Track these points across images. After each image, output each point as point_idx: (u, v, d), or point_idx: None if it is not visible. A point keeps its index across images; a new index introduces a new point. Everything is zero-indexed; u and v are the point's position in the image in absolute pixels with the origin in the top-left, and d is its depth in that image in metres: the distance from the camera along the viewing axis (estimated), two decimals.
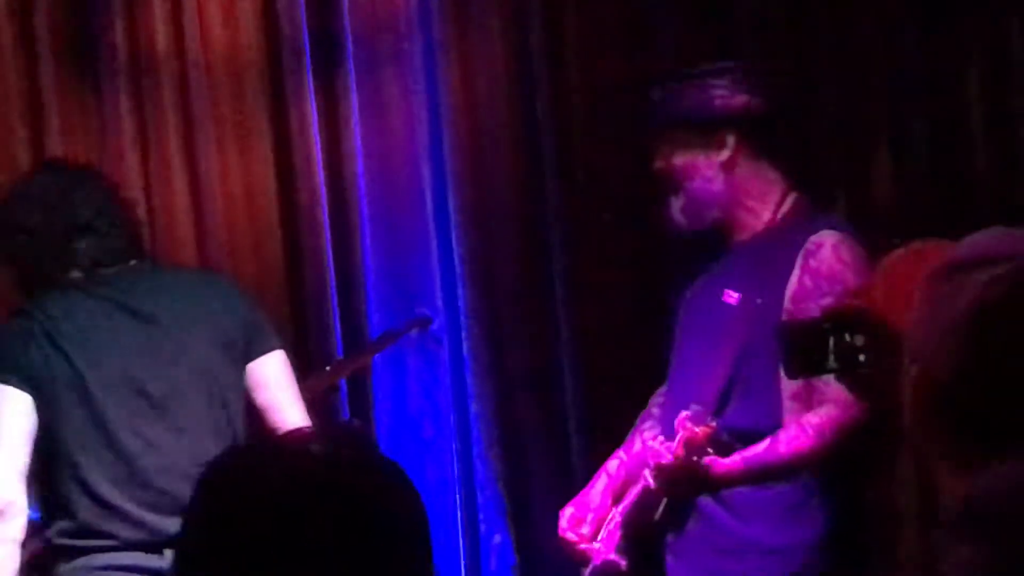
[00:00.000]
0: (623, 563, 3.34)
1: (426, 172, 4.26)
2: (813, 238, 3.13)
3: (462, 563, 4.34)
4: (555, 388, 4.22)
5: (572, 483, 3.97)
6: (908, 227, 3.80)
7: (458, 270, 4.32)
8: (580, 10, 4.26)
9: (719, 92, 3.18)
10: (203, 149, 4.29)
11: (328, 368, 4.09)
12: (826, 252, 3.14)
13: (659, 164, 3.24)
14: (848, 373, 2.30)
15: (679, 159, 3.18)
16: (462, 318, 4.34)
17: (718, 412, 3.16)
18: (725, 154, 3.16)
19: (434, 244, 4.34)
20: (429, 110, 4.30)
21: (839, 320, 2.27)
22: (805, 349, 2.34)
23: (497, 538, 4.26)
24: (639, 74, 4.06)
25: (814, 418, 2.93)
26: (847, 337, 2.23)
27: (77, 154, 4.23)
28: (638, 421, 3.45)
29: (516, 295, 4.27)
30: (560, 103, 4.20)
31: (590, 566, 3.38)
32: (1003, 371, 1.59)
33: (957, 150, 4.14)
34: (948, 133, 4.16)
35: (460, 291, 4.33)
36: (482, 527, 4.30)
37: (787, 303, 3.13)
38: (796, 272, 3.12)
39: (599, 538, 3.38)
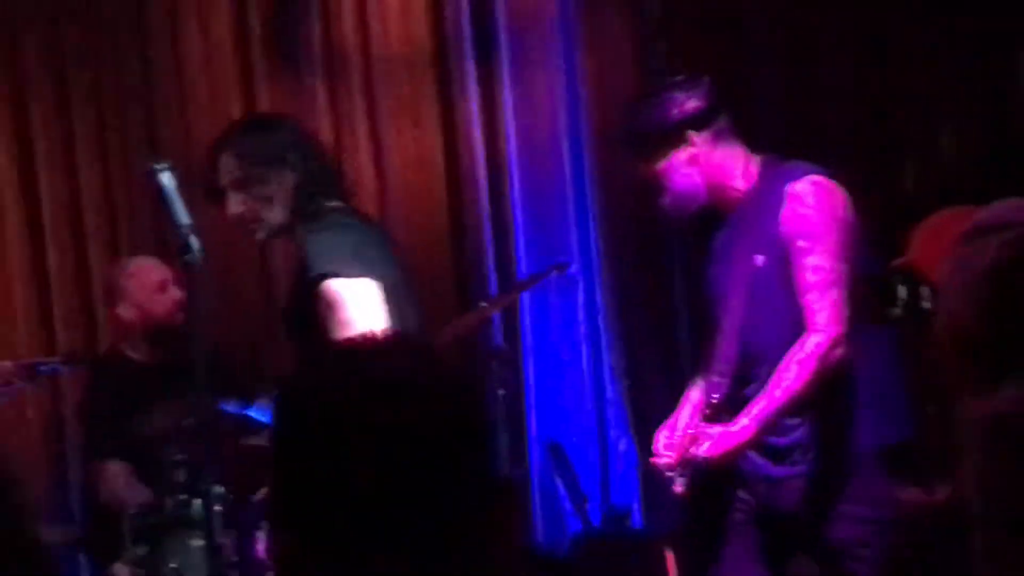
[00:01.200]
0: (682, 490, 3.57)
1: (565, 145, 4.88)
2: (790, 187, 3.36)
3: (595, 465, 4.90)
4: (670, 321, 4.78)
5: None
6: (968, 192, 4.14)
7: (591, 224, 4.93)
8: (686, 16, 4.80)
9: (673, 104, 3.44)
10: (384, 126, 4.94)
11: (483, 304, 4.65)
12: (798, 197, 3.36)
13: (644, 172, 3.50)
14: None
15: (658, 165, 3.42)
16: (594, 262, 4.97)
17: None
18: (691, 150, 3.39)
19: (571, 203, 4.95)
20: (568, 94, 4.91)
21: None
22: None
23: (623, 444, 4.84)
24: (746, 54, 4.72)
25: (800, 354, 3.08)
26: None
27: None
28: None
29: (638, 243, 4.81)
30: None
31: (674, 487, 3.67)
32: (1013, 315, 1.83)
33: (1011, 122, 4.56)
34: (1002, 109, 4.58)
35: (592, 240, 4.97)
36: (611, 435, 4.90)
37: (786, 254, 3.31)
38: (781, 218, 3.34)
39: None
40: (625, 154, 3.67)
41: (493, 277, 5.02)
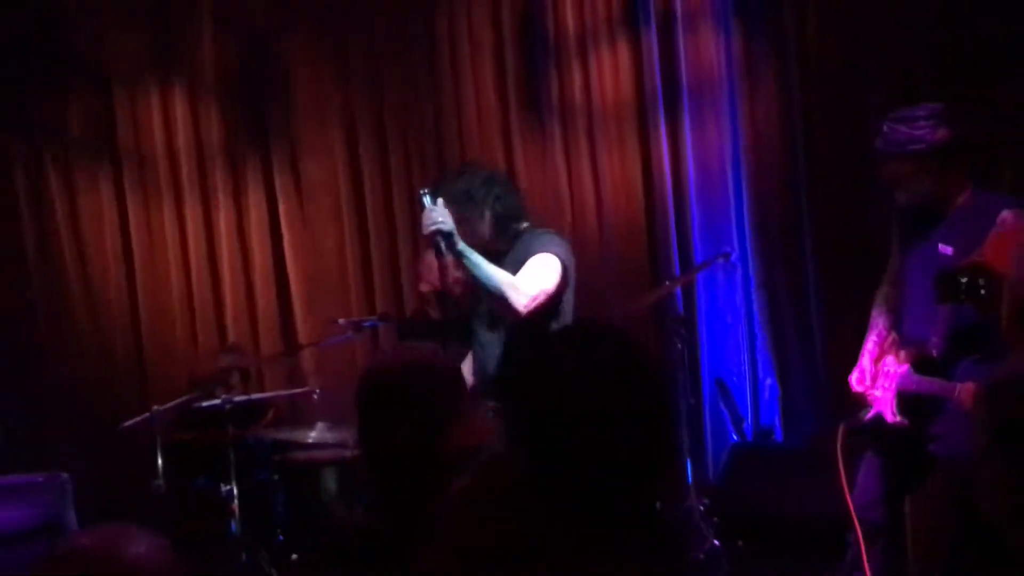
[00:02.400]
0: (901, 420, 3.96)
1: (728, 170, 5.84)
2: (1004, 213, 3.61)
3: (748, 396, 5.87)
4: (802, 294, 5.63)
5: (813, 348, 5.55)
6: None
7: (747, 227, 5.85)
8: (821, 70, 5.61)
9: (924, 130, 3.77)
10: (600, 157, 6.00)
11: (668, 282, 5.63)
12: (1010, 223, 3.58)
13: (887, 174, 3.86)
14: (972, 299, 3.17)
15: (903, 173, 3.81)
16: (748, 253, 5.87)
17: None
18: (936, 170, 3.77)
19: (732, 210, 5.86)
20: (731, 135, 5.84)
21: (967, 269, 3.16)
22: (946, 287, 3.35)
23: (768, 381, 5.79)
24: (859, 109, 5.40)
25: None
26: (971, 279, 3.12)
27: (532, 168, 6.10)
28: (872, 321, 4.16)
29: (780, 239, 5.70)
30: (810, 131, 5.62)
31: (871, 409, 4.08)
32: None
33: None
34: None
35: (748, 237, 5.86)
36: (760, 375, 5.85)
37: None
38: (991, 234, 3.57)
39: (877, 391, 4.06)
40: (875, 158, 3.94)
41: (676, 262, 5.96)
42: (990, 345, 3.52)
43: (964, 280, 3.17)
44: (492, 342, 4.16)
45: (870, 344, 4.15)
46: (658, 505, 1.68)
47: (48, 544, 4.60)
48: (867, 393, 4.10)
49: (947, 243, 3.80)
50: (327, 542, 2.86)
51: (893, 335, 4.08)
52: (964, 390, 3.66)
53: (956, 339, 3.78)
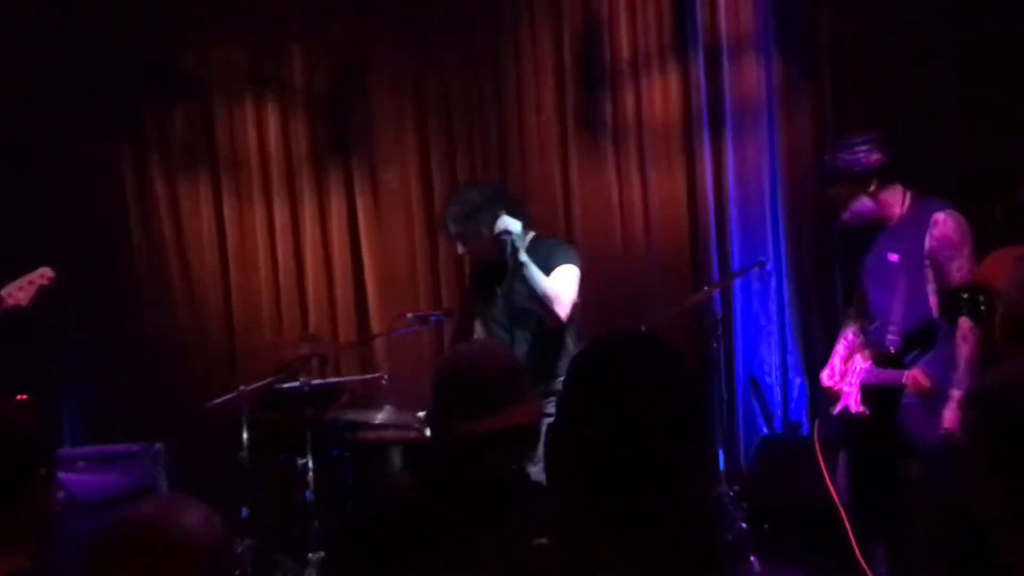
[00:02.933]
0: (863, 411, 4.25)
1: (765, 187, 6.08)
2: (935, 215, 4.01)
3: (778, 394, 6.11)
4: (830, 301, 5.82)
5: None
6: None
7: (781, 238, 6.08)
8: (853, 96, 5.86)
9: (860, 154, 4.10)
10: (649, 172, 6.24)
11: (707, 287, 5.80)
12: (941, 223, 4.01)
13: (832, 198, 4.23)
14: (973, 314, 3.33)
15: (844, 195, 4.17)
16: (782, 263, 6.07)
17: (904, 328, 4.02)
18: (872, 190, 4.12)
19: (768, 223, 6.09)
20: (769, 153, 6.07)
21: (968, 287, 3.33)
22: (950, 303, 3.70)
23: (797, 381, 6.05)
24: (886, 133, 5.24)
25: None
26: (972, 295, 3.25)
27: (586, 180, 6.31)
28: (843, 323, 4.54)
29: (812, 251, 5.94)
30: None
31: (839, 403, 4.35)
32: None
33: None
34: None
35: (782, 250, 6.08)
36: (790, 374, 6.09)
37: (926, 257, 4.02)
38: (927, 237, 4.00)
39: (844, 386, 4.34)
40: (822, 184, 4.32)
41: (715, 269, 6.16)
42: (936, 340, 3.88)
43: (965, 296, 3.31)
44: (506, 340, 4.44)
45: (840, 346, 4.44)
46: (699, 500, 1.71)
47: (184, 498, 5.18)
48: (836, 388, 4.37)
49: (894, 251, 4.10)
50: (377, 512, 2.88)
51: (861, 337, 4.38)
52: (909, 376, 3.96)
53: (910, 337, 4.07)
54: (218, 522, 1.91)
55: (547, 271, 4.42)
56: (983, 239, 4.98)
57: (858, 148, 4.15)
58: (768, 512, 5.67)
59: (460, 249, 4.64)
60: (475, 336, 4.74)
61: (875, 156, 4.13)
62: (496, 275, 4.56)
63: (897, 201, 4.20)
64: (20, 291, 4.64)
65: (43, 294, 4.72)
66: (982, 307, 3.01)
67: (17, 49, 6.27)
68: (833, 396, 4.40)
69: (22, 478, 2.32)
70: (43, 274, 4.73)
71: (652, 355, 1.68)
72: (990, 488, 1.69)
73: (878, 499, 4.12)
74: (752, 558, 5.37)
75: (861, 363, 4.31)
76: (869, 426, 4.19)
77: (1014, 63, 5.48)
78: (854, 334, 4.46)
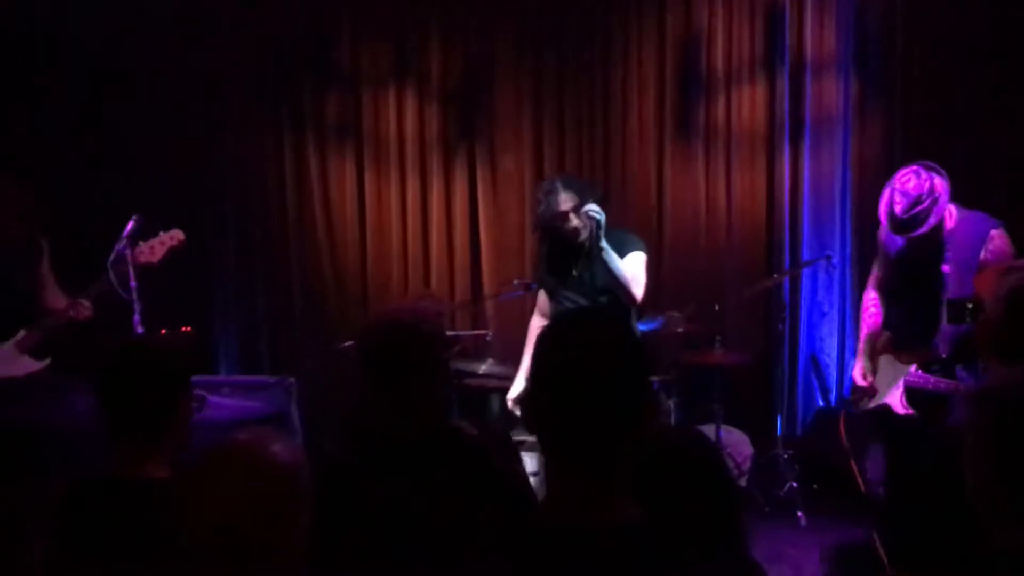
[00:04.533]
0: (911, 412, 4.21)
1: (837, 191, 6.41)
2: (992, 231, 4.07)
3: (835, 372, 6.44)
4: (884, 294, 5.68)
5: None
6: None
7: (848, 236, 6.37)
8: (920, 114, 6.18)
9: (934, 179, 4.15)
10: (734, 173, 6.57)
11: (776, 275, 6.24)
12: (998, 238, 4.09)
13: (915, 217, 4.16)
14: (974, 323, 3.39)
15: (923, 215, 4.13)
16: (847, 257, 6.35)
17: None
18: (939, 207, 4.10)
19: (837, 222, 6.40)
20: (842, 161, 6.38)
21: (972, 300, 3.51)
22: (956, 311, 3.78)
23: (853, 362, 5.70)
24: (949, 148, 5.85)
25: None
26: (976, 306, 3.43)
27: (677, 178, 6.59)
28: (865, 308, 4.52)
29: (872, 248, 5.50)
30: (908, 164, 5.52)
31: (872, 400, 4.40)
32: (1019, 315, 2.44)
33: None
34: None
35: (847, 246, 6.37)
36: (847, 356, 6.36)
37: (978, 268, 4.04)
38: (983, 250, 4.07)
39: (882, 385, 4.31)
40: (902, 200, 4.16)
41: (788, 259, 6.46)
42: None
43: (971, 307, 3.46)
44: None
45: (864, 344, 4.42)
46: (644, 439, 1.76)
47: (275, 430, 4.82)
48: (871, 386, 4.36)
49: (945, 261, 4.16)
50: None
51: (886, 334, 4.37)
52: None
53: (959, 344, 4.09)
54: (301, 453, 2.00)
55: (620, 256, 4.54)
56: None
57: (931, 175, 4.14)
58: (818, 474, 5.98)
59: (572, 219, 4.54)
60: (544, 309, 4.77)
61: (940, 181, 4.15)
62: (573, 256, 4.62)
63: (949, 215, 4.21)
64: (151, 250, 4.87)
65: (173, 254, 4.97)
66: (981, 315, 2.95)
67: (207, 45, 6.83)
68: (866, 393, 4.40)
69: (168, 399, 2.48)
70: (173, 236, 4.95)
71: (602, 327, 1.77)
72: (986, 481, 1.76)
73: (918, 495, 3.90)
74: (800, 513, 5.72)
75: (902, 365, 4.27)
76: (916, 427, 4.14)
77: None
78: (878, 326, 4.47)
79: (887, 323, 4.47)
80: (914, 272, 4.27)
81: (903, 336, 4.30)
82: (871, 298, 4.56)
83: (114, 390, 2.46)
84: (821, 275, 6.44)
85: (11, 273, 4.88)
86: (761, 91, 6.52)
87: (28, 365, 4.82)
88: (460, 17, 6.88)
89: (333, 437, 4.32)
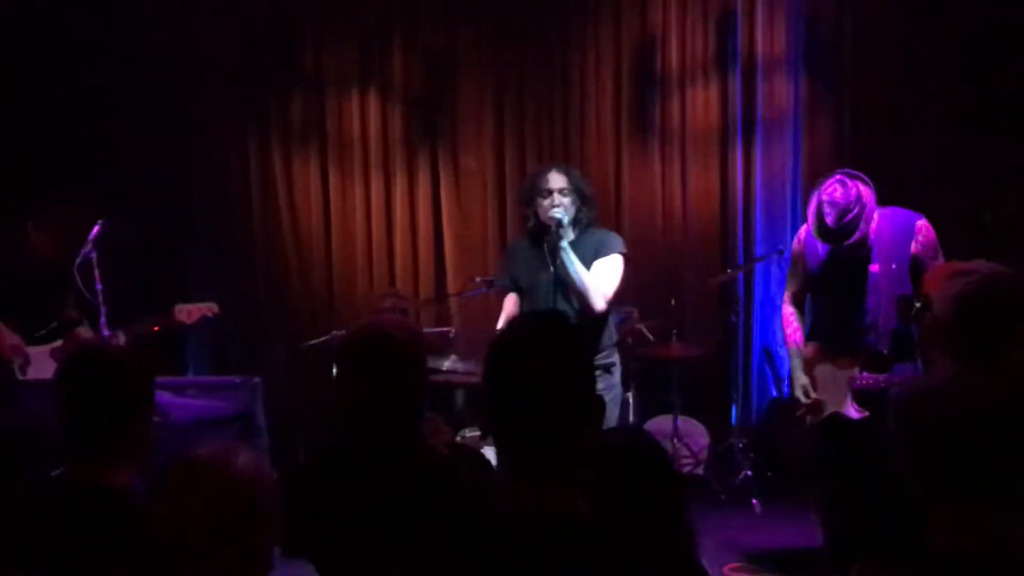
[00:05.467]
0: (865, 414, 4.10)
1: (788, 187, 6.53)
2: (917, 223, 3.99)
3: (788, 363, 5.74)
4: None
5: None
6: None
7: (800, 228, 5.80)
8: (869, 111, 6.24)
9: (864, 186, 4.02)
10: (688, 168, 6.67)
11: (730, 270, 6.28)
12: (925, 229, 4.02)
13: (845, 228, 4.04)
14: (920, 321, 3.24)
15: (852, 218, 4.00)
16: None
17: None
18: (866, 212, 3.98)
19: (788, 218, 6.50)
20: (793, 158, 6.50)
21: (919, 298, 3.28)
22: (904, 308, 3.78)
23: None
24: (899, 145, 6.04)
25: None
26: (924, 304, 3.04)
27: (634, 174, 6.61)
28: (787, 323, 4.39)
29: None
30: (856, 160, 5.60)
31: (822, 413, 4.25)
32: (968, 320, 2.45)
33: None
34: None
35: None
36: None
37: (909, 261, 3.99)
38: (912, 243, 3.98)
39: (824, 395, 4.18)
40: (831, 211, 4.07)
41: (740, 254, 6.55)
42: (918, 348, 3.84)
43: (918, 305, 3.28)
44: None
45: (795, 358, 4.33)
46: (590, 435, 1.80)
47: (240, 430, 4.87)
48: (818, 402, 4.25)
49: (872, 261, 4.10)
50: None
51: (813, 345, 4.33)
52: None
53: (897, 339, 4.10)
54: (266, 465, 1.98)
55: (595, 259, 4.35)
56: (975, 242, 5.50)
57: (859, 183, 4.06)
58: (772, 463, 6.05)
59: (555, 197, 4.35)
60: (512, 305, 4.61)
61: (867, 188, 4.08)
62: (551, 254, 4.36)
63: (873, 214, 4.16)
64: (188, 313, 5.07)
65: (203, 323, 5.21)
66: (928, 311, 2.86)
67: (173, 48, 6.82)
68: (812, 409, 4.28)
69: (126, 407, 2.43)
70: (211, 307, 5.16)
71: (552, 332, 1.80)
72: (916, 482, 1.78)
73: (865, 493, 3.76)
74: (755, 501, 5.79)
75: (842, 370, 4.20)
76: (867, 428, 4.09)
77: (1006, 81, 5.85)
78: (803, 338, 4.39)
79: (816, 333, 4.41)
80: (842, 276, 4.21)
81: (837, 341, 4.24)
82: (789, 313, 4.49)
83: (71, 397, 2.43)
84: (773, 269, 6.48)
85: (57, 281, 4.95)
86: (714, 91, 6.60)
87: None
88: (422, 20, 6.93)
89: (306, 448, 4.53)
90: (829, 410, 4.20)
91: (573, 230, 4.34)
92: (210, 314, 5.06)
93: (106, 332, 4.70)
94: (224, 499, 1.88)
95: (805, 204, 5.90)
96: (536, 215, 4.45)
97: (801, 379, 4.31)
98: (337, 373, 2.43)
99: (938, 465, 1.74)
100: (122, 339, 4.90)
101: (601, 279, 4.26)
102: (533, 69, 6.85)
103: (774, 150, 6.57)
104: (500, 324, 4.66)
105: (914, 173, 6.11)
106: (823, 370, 4.27)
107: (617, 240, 4.45)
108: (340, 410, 2.43)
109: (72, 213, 5.05)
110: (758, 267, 6.56)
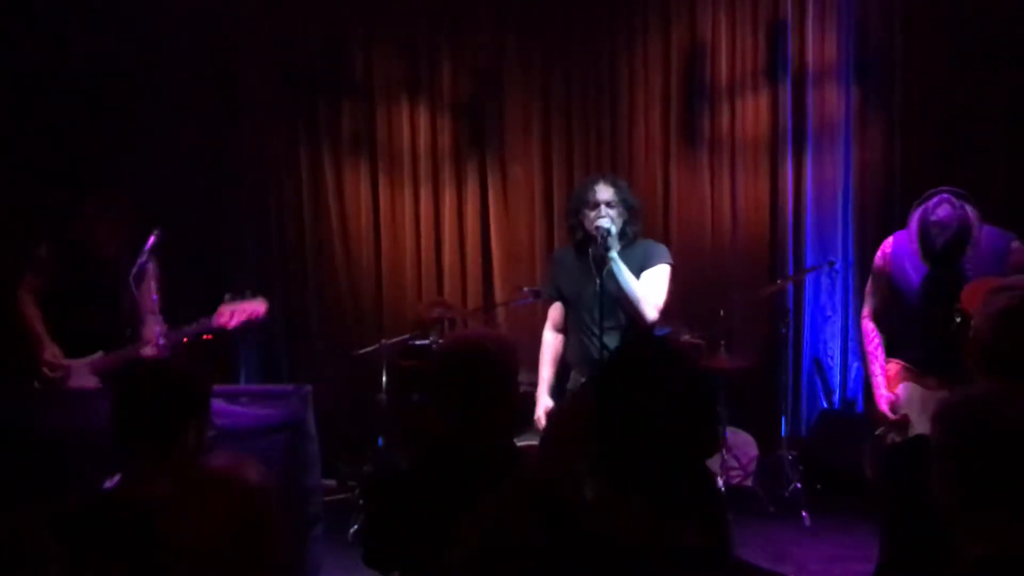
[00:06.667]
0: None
1: (839, 197, 6.47)
2: (1012, 244, 3.98)
3: (838, 374, 6.47)
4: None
5: None
6: None
7: (850, 242, 6.44)
8: (919, 123, 6.21)
9: (970, 207, 3.98)
10: (738, 178, 6.63)
11: (780, 280, 6.28)
12: (1018, 251, 3.98)
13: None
14: (958, 334, 3.25)
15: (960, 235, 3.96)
16: (849, 262, 6.45)
17: None
18: (973, 229, 3.96)
19: (839, 228, 6.46)
20: (844, 168, 6.47)
21: (958, 312, 3.46)
22: (943, 323, 3.73)
23: (855, 364, 6.38)
24: (946, 155, 5.96)
25: None
26: (964, 317, 3.33)
27: (683, 184, 6.59)
28: (869, 340, 4.23)
29: (873, 253, 5.66)
30: (906, 170, 6.17)
31: (907, 431, 4.08)
32: (1004, 335, 2.41)
33: None
34: None
35: (850, 251, 6.46)
36: (849, 358, 6.46)
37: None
38: (1003, 263, 3.92)
39: (911, 413, 4.05)
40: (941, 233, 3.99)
41: (791, 264, 6.50)
42: None
43: (958, 319, 3.39)
44: (594, 328, 4.29)
45: (878, 374, 4.23)
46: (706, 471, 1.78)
47: (291, 438, 4.60)
48: (902, 418, 4.13)
49: (969, 280, 3.96)
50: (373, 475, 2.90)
51: (898, 364, 4.21)
52: None
53: None
54: (270, 476, 2.06)
55: (642, 270, 4.36)
56: None
57: (966, 203, 4.02)
58: (821, 475, 6.03)
59: (602, 209, 4.35)
60: (557, 315, 4.61)
61: (972, 209, 4.03)
62: (597, 266, 4.35)
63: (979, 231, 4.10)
64: (231, 314, 4.71)
65: (250, 326, 4.85)
66: (967, 328, 2.77)
67: (222, 59, 6.93)
68: (896, 427, 4.16)
69: (176, 425, 2.43)
70: (258, 308, 4.76)
71: (672, 360, 1.76)
72: (950, 491, 1.79)
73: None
74: (804, 513, 5.72)
75: (929, 391, 4.10)
76: None
77: None
78: (884, 354, 4.31)
79: (906, 353, 4.27)
80: (935, 295, 4.08)
81: (929, 363, 4.11)
82: (871, 329, 4.38)
83: (124, 410, 2.46)
84: (824, 279, 6.48)
85: (105, 289, 4.83)
86: (764, 100, 6.56)
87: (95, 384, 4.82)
88: (470, 30, 6.95)
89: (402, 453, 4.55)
90: (914, 431, 4.07)
91: (619, 242, 4.34)
92: (256, 316, 4.81)
93: (161, 341, 4.69)
94: (234, 509, 1.93)
95: (856, 214, 6.27)
96: (583, 226, 4.45)
97: (887, 396, 4.20)
98: (433, 386, 2.47)
99: (973, 474, 1.75)
100: (165, 345, 4.77)
101: (651, 289, 4.26)
102: (581, 79, 6.83)
103: (824, 160, 6.53)
104: (546, 334, 4.68)
105: (965, 182, 5.77)
106: (908, 389, 4.18)
107: (663, 250, 4.45)
108: (433, 422, 2.46)
109: (126, 216, 4.96)
110: (808, 278, 6.52)
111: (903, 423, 4.09)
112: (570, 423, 1.82)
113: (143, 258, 4.66)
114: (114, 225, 4.88)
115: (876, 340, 4.32)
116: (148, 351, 4.72)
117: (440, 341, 5.78)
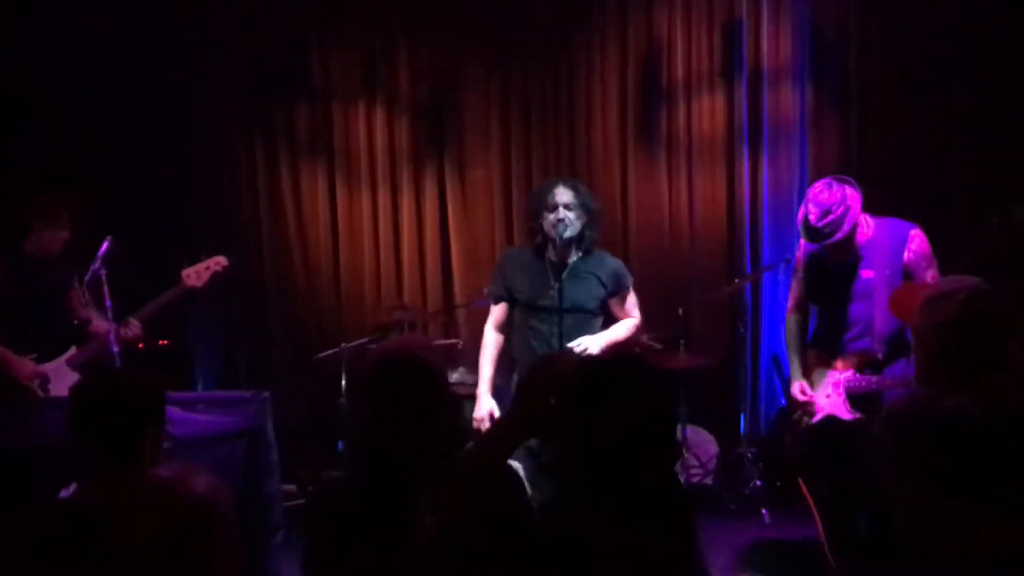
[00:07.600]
0: (858, 416, 4.20)
1: (795, 195, 6.38)
2: (910, 232, 4.10)
3: None
4: None
5: None
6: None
7: None
8: (876, 121, 6.22)
9: (852, 190, 4.14)
10: (695, 177, 6.62)
11: (738, 279, 6.24)
12: (918, 238, 4.12)
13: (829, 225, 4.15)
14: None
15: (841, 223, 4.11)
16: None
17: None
18: (854, 216, 4.10)
19: (795, 228, 5.50)
20: (800, 167, 6.45)
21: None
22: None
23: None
24: (905, 154, 6.00)
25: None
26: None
27: (641, 184, 6.57)
28: (792, 339, 4.52)
29: None
30: (863, 168, 6.08)
31: (815, 415, 4.33)
32: (954, 344, 2.41)
33: None
34: None
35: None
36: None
37: (902, 269, 4.11)
38: (904, 251, 4.07)
39: (820, 398, 4.28)
40: (815, 210, 4.20)
41: (748, 263, 6.51)
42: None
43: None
44: (553, 327, 4.37)
45: (793, 361, 4.48)
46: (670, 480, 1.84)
47: (249, 445, 4.54)
48: (812, 400, 4.35)
49: (866, 268, 4.20)
50: (313, 500, 2.92)
51: (813, 351, 4.43)
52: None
53: (891, 344, 4.17)
54: (220, 484, 2.04)
55: (613, 286, 4.49)
56: (983, 249, 5.62)
57: (848, 188, 4.13)
58: (781, 471, 5.95)
59: (560, 211, 4.40)
60: (500, 322, 4.64)
61: (855, 193, 4.15)
62: (554, 271, 4.44)
63: (866, 224, 4.25)
64: (197, 275, 4.92)
65: (216, 279, 5.07)
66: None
67: (180, 62, 6.83)
68: (807, 408, 4.36)
69: (132, 434, 2.45)
70: (219, 261, 5.00)
71: (637, 376, 1.82)
72: (898, 492, 1.80)
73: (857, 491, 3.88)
74: (764, 510, 5.75)
75: (839, 374, 4.30)
76: (858, 430, 4.15)
77: (1014, 88, 5.84)
78: (804, 352, 4.49)
79: (815, 337, 4.50)
80: (833, 283, 4.30)
81: (832, 345, 4.32)
82: (789, 320, 4.62)
83: (80, 419, 2.45)
84: (782, 277, 6.44)
85: (60, 292, 4.96)
86: (720, 100, 6.56)
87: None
88: (427, 31, 6.90)
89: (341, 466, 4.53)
90: (823, 412, 4.26)
91: (578, 247, 4.39)
92: (219, 268, 4.96)
93: (115, 348, 4.66)
94: (181, 518, 1.91)
95: None
96: (542, 229, 4.44)
97: (800, 379, 4.41)
98: (365, 395, 2.44)
99: (915, 482, 1.76)
100: (137, 326, 4.89)
101: (634, 314, 4.53)
102: (538, 80, 6.81)
103: (781, 159, 6.54)
104: (488, 333, 4.71)
105: (921, 180, 6.09)
106: (820, 373, 4.34)
107: (626, 271, 4.63)
108: (367, 430, 2.43)
109: (73, 214, 5.04)
110: (765, 276, 6.53)
111: (809, 405, 4.30)
112: (542, 384, 1.85)
113: (96, 264, 4.64)
114: (58, 229, 4.95)
115: (794, 331, 4.56)
116: (127, 332, 4.85)
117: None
